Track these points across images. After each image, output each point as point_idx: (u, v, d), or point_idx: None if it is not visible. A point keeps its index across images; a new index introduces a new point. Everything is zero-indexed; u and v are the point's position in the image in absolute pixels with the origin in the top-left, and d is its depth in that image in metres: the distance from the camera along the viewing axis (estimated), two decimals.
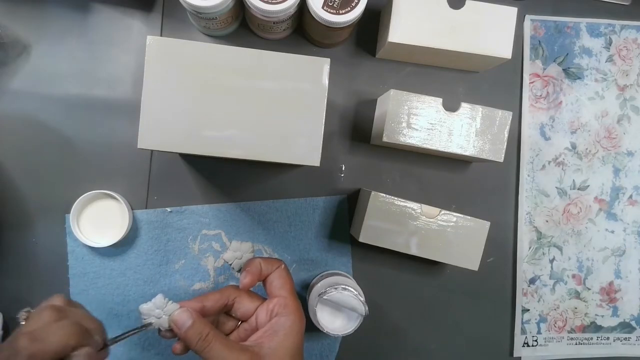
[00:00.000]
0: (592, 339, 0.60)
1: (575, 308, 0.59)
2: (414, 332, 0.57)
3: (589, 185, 0.59)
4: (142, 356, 0.53)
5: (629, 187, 0.59)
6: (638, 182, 0.59)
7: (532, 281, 0.58)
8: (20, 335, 0.32)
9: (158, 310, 0.40)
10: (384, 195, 0.48)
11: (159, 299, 0.40)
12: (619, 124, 0.59)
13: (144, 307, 0.40)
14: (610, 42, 0.59)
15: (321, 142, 0.39)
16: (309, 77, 0.39)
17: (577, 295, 0.59)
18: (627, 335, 0.60)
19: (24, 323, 0.35)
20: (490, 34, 0.50)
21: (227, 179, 0.54)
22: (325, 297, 0.47)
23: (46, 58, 0.51)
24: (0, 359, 0.31)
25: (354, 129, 0.56)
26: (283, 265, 0.45)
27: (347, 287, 0.48)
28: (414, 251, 0.48)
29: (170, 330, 0.40)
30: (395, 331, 0.57)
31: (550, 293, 0.59)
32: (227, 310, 0.45)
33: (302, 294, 0.55)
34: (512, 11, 0.50)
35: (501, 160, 0.49)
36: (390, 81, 0.56)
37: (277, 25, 0.49)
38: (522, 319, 0.58)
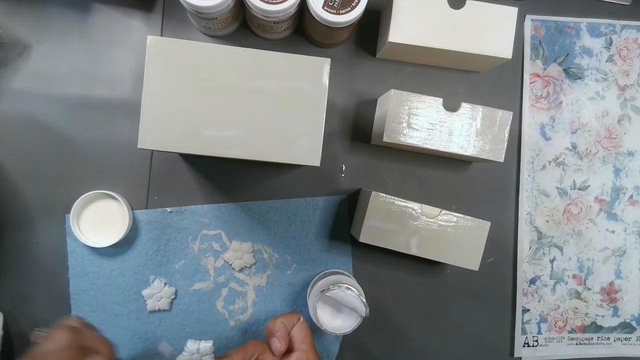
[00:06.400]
0: (592, 339, 0.60)
1: (576, 308, 0.59)
2: (414, 332, 0.57)
3: (589, 186, 0.59)
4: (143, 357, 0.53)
5: (629, 187, 0.59)
6: (638, 182, 0.59)
7: (532, 281, 0.58)
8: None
9: (195, 355, 0.43)
10: (384, 195, 0.48)
11: (191, 345, 0.43)
12: (620, 124, 0.59)
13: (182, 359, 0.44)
14: (610, 42, 0.59)
15: (321, 142, 0.39)
16: (309, 77, 0.39)
17: (578, 295, 0.59)
18: (627, 336, 0.60)
19: (38, 342, 0.37)
20: (491, 34, 0.50)
21: (227, 179, 0.54)
22: (327, 293, 0.47)
23: (46, 58, 0.51)
24: None
25: (354, 129, 0.56)
26: (302, 318, 0.47)
27: (349, 286, 0.48)
28: (414, 251, 0.48)
29: None
30: (396, 331, 0.57)
31: (551, 293, 0.58)
32: None
33: (304, 293, 0.55)
34: (512, 11, 0.50)
35: (501, 160, 0.49)
36: (390, 81, 0.56)
37: (278, 25, 0.49)
38: (523, 319, 0.58)
